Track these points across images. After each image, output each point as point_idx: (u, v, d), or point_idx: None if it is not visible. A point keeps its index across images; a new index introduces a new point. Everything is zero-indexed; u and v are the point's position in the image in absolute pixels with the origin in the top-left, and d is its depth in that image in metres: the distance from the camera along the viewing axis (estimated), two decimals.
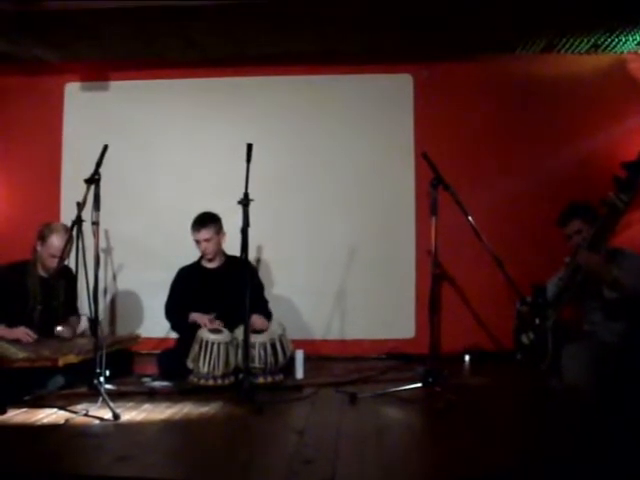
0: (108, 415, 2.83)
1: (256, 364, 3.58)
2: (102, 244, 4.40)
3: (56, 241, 3.61)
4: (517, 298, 3.55)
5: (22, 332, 3.49)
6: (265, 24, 4.30)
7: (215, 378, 3.57)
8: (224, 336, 3.65)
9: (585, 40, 4.50)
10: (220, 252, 4.12)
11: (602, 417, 2.81)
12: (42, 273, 3.75)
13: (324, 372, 4.12)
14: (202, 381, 3.58)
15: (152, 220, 4.99)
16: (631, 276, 3.16)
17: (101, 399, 2.95)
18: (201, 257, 4.15)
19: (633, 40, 4.48)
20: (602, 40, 4.49)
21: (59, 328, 3.70)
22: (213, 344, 3.58)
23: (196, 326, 3.79)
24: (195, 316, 3.90)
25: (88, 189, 3.17)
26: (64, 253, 3.46)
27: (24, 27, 4.29)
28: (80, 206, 3.22)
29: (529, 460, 2.28)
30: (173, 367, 3.75)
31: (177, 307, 4.04)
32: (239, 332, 3.59)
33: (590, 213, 3.36)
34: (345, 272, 4.87)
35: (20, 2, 3.88)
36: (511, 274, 3.41)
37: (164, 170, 5.07)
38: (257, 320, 3.78)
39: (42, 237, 3.67)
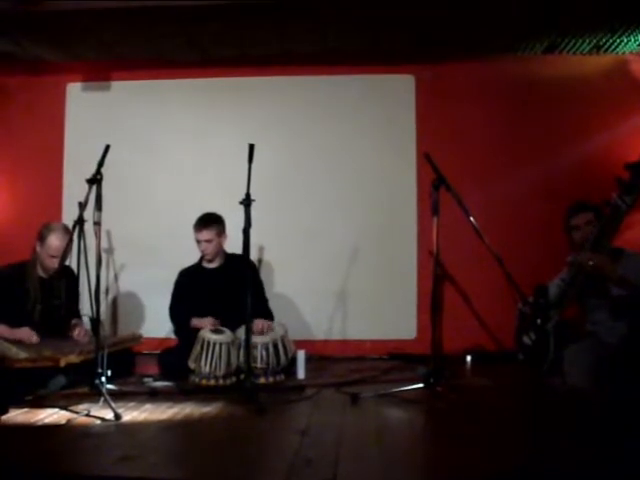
0: (109, 415, 2.82)
1: (258, 364, 3.58)
2: (104, 244, 4.38)
3: (55, 241, 3.60)
4: (519, 298, 3.55)
5: (25, 333, 3.48)
6: (266, 24, 4.30)
7: (217, 378, 3.57)
8: (226, 336, 3.64)
9: (587, 41, 4.50)
10: (220, 253, 4.11)
11: (604, 418, 2.80)
12: (41, 274, 3.73)
13: (326, 372, 4.11)
14: (204, 381, 3.58)
15: (154, 220, 4.99)
16: (636, 274, 3.16)
17: (102, 399, 2.95)
18: (202, 257, 4.15)
19: (635, 41, 4.48)
20: (604, 41, 4.49)
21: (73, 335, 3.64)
22: (215, 344, 3.58)
23: (198, 330, 3.77)
24: (196, 321, 3.90)
25: (90, 189, 3.17)
26: (64, 253, 3.46)
27: (25, 27, 4.29)
28: (82, 206, 3.23)
29: (531, 461, 2.27)
30: (175, 366, 3.74)
31: (180, 310, 4.04)
32: (241, 332, 3.58)
33: (599, 211, 3.36)
34: (347, 272, 4.87)
35: (22, 2, 3.88)
36: (513, 274, 3.40)
37: (166, 170, 5.07)
38: (257, 325, 3.74)
39: (41, 237, 3.65)
